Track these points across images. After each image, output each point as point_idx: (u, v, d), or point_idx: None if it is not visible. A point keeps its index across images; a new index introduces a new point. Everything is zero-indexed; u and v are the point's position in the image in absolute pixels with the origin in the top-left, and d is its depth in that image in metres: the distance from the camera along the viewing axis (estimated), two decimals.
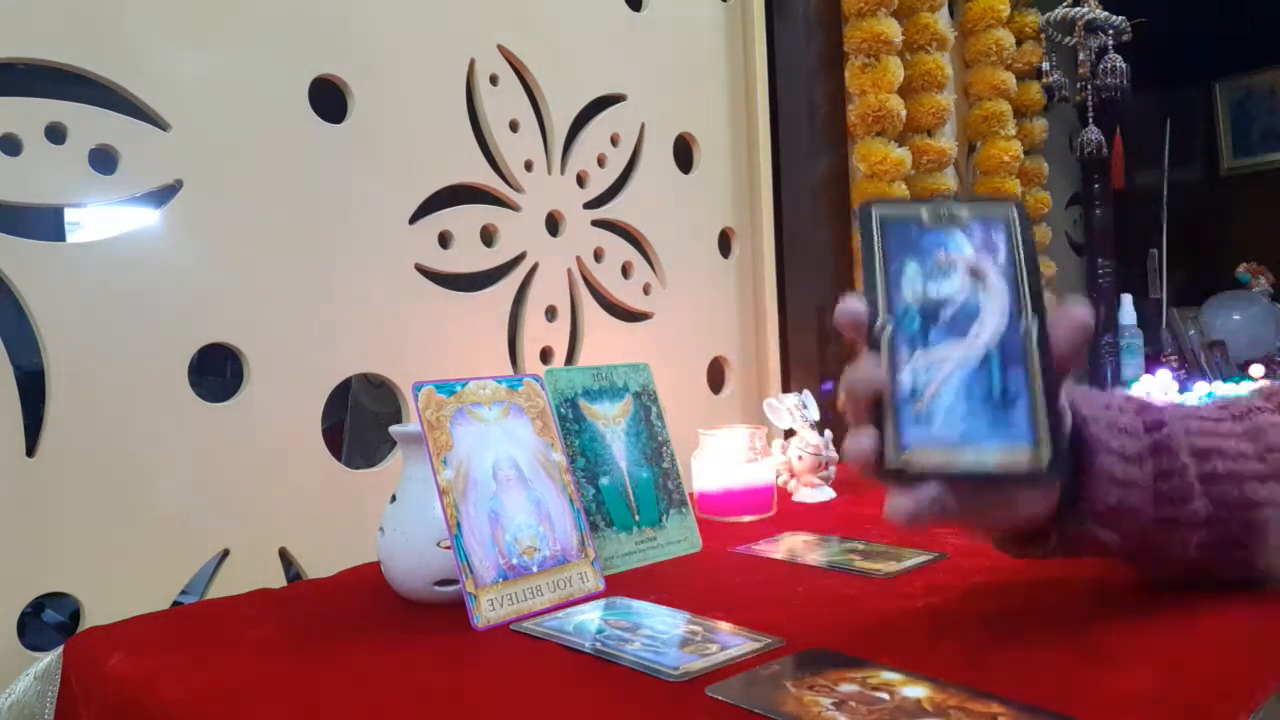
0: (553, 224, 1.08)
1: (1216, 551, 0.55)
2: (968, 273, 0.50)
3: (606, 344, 1.12)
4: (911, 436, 0.47)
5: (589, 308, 1.11)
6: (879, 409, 0.47)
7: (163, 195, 0.78)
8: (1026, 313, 0.49)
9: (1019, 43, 1.64)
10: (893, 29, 1.30)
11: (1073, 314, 0.49)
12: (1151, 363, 1.84)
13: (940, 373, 0.49)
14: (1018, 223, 0.51)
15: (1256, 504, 0.54)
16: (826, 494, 1.02)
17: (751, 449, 0.94)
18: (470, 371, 0.91)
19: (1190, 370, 1.85)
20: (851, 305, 0.49)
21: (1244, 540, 0.55)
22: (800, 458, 1.05)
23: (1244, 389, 1.48)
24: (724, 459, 0.94)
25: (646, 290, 1.17)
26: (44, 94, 0.72)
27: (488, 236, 1.01)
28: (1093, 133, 1.65)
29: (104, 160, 0.75)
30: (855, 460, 0.47)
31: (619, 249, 1.15)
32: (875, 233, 0.51)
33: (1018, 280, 0.50)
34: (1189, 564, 0.55)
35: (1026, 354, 0.49)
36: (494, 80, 1.01)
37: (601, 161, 1.12)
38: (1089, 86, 1.62)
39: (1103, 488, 0.52)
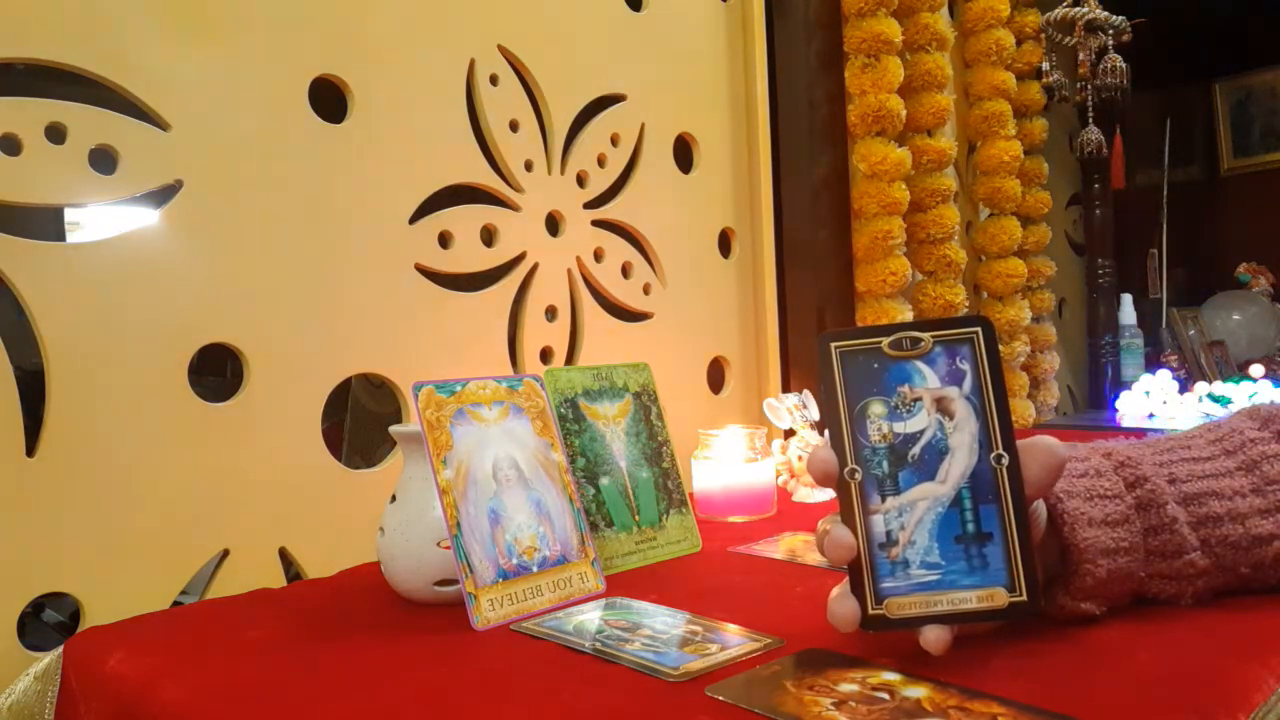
0: (553, 224, 1.08)
1: (1213, 597, 0.55)
2: (934, 407, 0.49)
3: (606, 344, 1.12)
4: (888, 585, 0.48)
5: (589, 308, 1.11)
6: (855, 558, 0.48)
7: (163, 195, 0.78)
8: (997, 448, 0.49)
9: (1019, 43, 1.63)
10: (893, 29, 1.30)
11: (1045, 447, 0.49)
12: (1151, 363, 1.84)
13: (912, 516, 0.48)
14: (984, 345, 0.50)
15: (1262, 539, 0.53)
16: (826, 494, 1.02)
17: (751, 449, 0.94)
18: (470, 371, 0.91)
19: (1190, 370, 1.85)
20: (821, 455, 0.49)
21: (1253, 580, 0.55)
22: (800, 458, 1.05)
23: (1241, 389, 1.48)
24: (724, 459, 0.94)
25: (646, 290, 1.17)
26: (44, 94, 0.72)
27: (488, 236, 1.01)
28: (1093, 133, 1.65)
29: (104, 160, 0.75)
30: (838, 623, 0.49)
31: (619, 249, 1.15)
32: (836, 370, 0.50)
33: (985, 411, 0.49)
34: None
35: (999, 490, 0.48)
36: (494, 80, 1.01)
37: (601, 161, 1.12)
38: (1089, 86, 1.62)
39: (1092, 562, 0.51)
